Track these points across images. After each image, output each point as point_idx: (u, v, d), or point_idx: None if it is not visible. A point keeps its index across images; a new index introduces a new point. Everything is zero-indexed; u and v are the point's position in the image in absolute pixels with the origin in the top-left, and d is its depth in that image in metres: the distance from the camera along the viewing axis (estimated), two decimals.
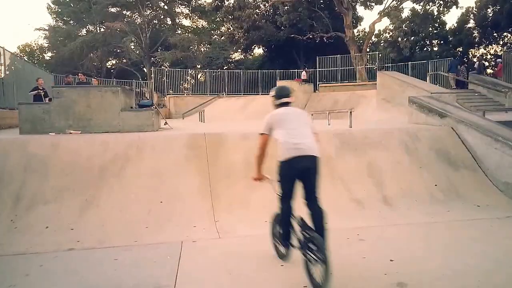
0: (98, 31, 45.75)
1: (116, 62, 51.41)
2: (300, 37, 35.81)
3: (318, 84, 27.36)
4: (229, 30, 44.26)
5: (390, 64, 32.15)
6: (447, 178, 8.16)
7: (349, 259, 4.90)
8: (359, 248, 5.34)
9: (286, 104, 4.69)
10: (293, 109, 4.68)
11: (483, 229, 6.11)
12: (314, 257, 3.92)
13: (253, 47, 46.94)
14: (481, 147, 8.77)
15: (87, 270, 4.74)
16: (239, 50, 48.27)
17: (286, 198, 4.43)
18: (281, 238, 4.65)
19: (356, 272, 4.50)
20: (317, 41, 35.44)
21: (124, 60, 47.79)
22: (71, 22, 47.88)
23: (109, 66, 50.74)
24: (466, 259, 4.84)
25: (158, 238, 5.84)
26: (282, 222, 4.56)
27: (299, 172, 4.30)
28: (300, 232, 4.29)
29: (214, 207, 6.86)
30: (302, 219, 4.32)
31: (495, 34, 36.85)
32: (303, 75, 29.72)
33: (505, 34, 36.62)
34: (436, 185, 7.95)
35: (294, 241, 4.45)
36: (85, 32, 47.50)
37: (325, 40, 35.35)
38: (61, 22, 48.42)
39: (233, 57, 49.66)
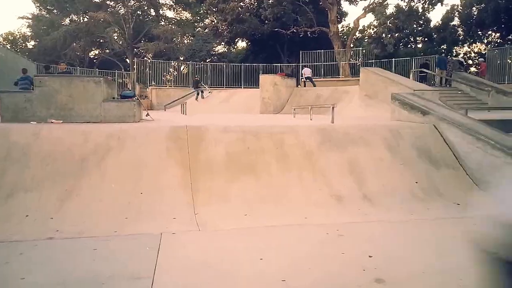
0: (82, 21, 45.15)
1: (99, 52, 50.86)
2: (284, 31, 35.79)
3: (301, 79, 27.28)
4: (213, 23, 44.08)
5: (373, 60, 32.31)
6: (428, 176, 8.16)
7: (327, 254, 4.97)
8: (338, 243, 5.39)
9: None
10: None
11: (463, 228, 6.18)
12: None
13: (236, 40, 46.81)
14: (463, 145, 8.74)
15: (66, 259, 4.74)
16: (223, 43, 48.08)
17: None
18: None
19: (334, 267, 4.56)
20: (301, 35, 35.49)
21: (107, 51, 47.38)
22: (55, 11, 47.15)
23: (92, 56, 50.19)
24: (446, 256, 4.87)
25: (138, 229, 5.85)
26: None
27: None
28: None
29: (194, 199, 6.88)
30: None
31: (479, 32, 37.21)
32: (307, 72, 26.36)
33: (489, 32, 37.00)
34: (417, 182, 7.94)
35: None
36: (69, 22, 46.83)
37: (309, 35, 35.37)
38: (44, 11, 47.67)
39: (216, 50, 49.39)
